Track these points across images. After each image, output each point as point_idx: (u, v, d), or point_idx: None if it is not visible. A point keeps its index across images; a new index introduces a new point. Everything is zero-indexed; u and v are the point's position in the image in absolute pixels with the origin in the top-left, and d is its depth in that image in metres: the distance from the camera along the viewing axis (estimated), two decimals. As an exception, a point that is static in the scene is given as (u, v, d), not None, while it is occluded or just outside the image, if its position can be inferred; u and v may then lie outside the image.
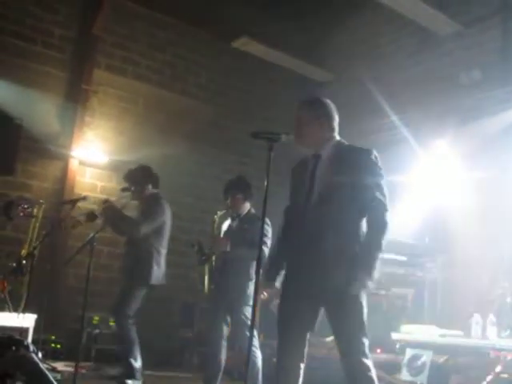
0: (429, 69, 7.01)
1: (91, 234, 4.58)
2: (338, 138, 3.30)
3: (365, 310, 3.06)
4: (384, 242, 3.05)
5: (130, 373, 5.03)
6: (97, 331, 6.75)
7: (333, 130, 3.30)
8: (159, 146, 7.41)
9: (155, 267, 5.24)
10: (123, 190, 5.39)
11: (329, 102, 3.35)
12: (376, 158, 3.15)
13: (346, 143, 3.29)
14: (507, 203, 6.08)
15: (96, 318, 6.83)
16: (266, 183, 3.14)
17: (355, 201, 3.09)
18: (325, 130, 3.26)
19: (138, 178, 5.43)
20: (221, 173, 7.77)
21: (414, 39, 7.32)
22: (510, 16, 6.46)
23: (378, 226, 3.07)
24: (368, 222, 3.13)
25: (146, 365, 5.21)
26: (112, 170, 7.74)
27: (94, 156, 7.62)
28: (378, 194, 3.08)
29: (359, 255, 3.03)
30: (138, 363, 5.07)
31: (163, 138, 7.69)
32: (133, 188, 5.32)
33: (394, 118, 6.99)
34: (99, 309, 6.58)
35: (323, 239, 3.06)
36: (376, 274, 3.00)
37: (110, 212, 5.14)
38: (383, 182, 3.12)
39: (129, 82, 8.08)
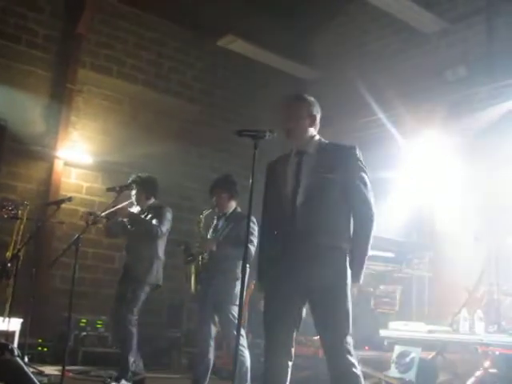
0: (415, 66, 7.02)
1: (76, 236, 4.53)
2: (318, 136, 3.33)
3: (350, 305, 3.07)
4: (372, 239, 3.10)
5: (124, 374, 5.01)
6: (84, 333, 6.70)
7: (317, 128, 3.33)
8: (145, 146, 7.38)
9: (160, 270, 5.31)
10: (108, 189, 5.35)
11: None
12: (360, 154, 3.19)
13: (327, 141, 3.31)
14: (494, 200, 6.10)
15: (83, 320, 6.77)
16: (251, 181, 3.13)
17: (342, 196, 3.12)
18: (313, 127, 3.29)
19: (149, 185, 5.46)
20: (207, 172, 7.74)
21: (400, 37, 7.34)
22: (495, 13, 6.48)
23: (366, 223, 3.12)
24: (355, 219, 3.16)
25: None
26: (97, 171, 7.69)
27: (79, 157, 7.56)
28: (363, 191, 3.13)
29: (352, 253, 3.08)
30: (133, 365, 5.07)
31: (149, 138, 7.65)
32: (135, 192, 5.30)
33: (381, 115, 6.99)
34: (86, 311, 6.54)
35: (313, 235, 3.07)
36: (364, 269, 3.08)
37: (133, 216, 5.26)
38: (367, 179, 3.16)
39: (114, 82, 8.03)
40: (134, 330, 5.10)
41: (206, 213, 4.88)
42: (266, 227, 3.36)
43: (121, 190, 5.27)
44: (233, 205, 4.91)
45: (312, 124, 3.28)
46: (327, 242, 3.07)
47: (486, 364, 4.87)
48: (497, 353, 4.87)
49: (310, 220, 3.09)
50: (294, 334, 3.17)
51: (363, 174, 3.15)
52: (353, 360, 3.01)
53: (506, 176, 6.15)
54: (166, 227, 5.27)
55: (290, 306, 3.13)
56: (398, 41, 7.39)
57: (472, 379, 4.82)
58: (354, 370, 2.99)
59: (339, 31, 8.03)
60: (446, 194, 6.70)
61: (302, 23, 8.30)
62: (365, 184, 3.14)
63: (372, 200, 3.14)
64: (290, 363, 3.15)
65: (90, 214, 5.03)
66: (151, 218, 5.27)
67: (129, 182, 5.40)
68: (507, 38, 6.06)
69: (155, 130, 7.93)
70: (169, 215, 5.34)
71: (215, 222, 4.94)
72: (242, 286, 3.14)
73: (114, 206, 5.10)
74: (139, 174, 5.51)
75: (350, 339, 3.03)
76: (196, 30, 8.36)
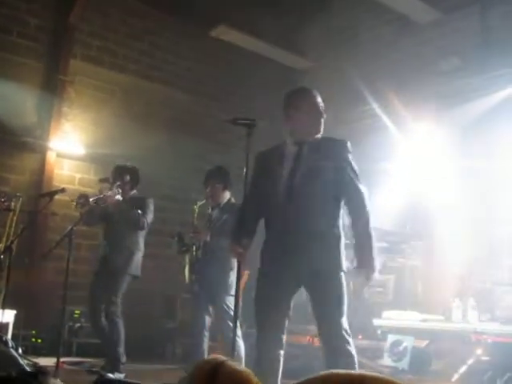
0: (408, 56, 7.01)
1: (69, 227, 4.52)
2: None
3: (344, 289, 3.13)
4: (371, 224, 3.15)
5: (116, 365, 5.01)
6: (78, 325, 6.69)
7: None
8: (138, 137, 7.34)
9: (140, 261, 5.28)
10: (101, 180, 5.34)
11: None
12: (350, 148, 3.27)
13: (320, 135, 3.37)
14: (487, 189, 6.13)
15: (77, 311, 6.77)
16: (245, 171, 3.13)
17: (334, 185, 3.18)
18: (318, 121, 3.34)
19: (135, 176, 5.43)
20: (201, 162, 7.71)
21: (393, 27, 7.32)
22: (489, 3, 6.47)
23: (361, 209, 3.19)
24: (349, 207, 3.23)
25: (128, 357, 5.18)
26: (90, 162, 7.66)
27: (71, 148, 7.52)
28: (356, 180, 3.21)
29: (356, 241, 3.15)
30: (123, 356, 5.07)
31: (142, 128, 7.62)
32: (119, 183, 5.27)
33: (375, 105, 6.99)
34: (80, 302, 6.53)
35: (309, 222, 3.12)
36: (377, 263, 3.11)
37: (121, 204, 5.17)
38: (357, 170, 3.24)
39: (106, 72, 7.98)
40: (120, 321, 5.10)
41: (200, 203, 4.89)
42: (248, 208, 3.37)
43: (114, 181, 5.27)
44: (227, 195, 4.92)
45: (318, 117, 3.32)
46: (322, 228, 3.13)
47: (479, 352, 4.91)
48: (489, 341, 4.91)
49: (306, 207, 3.14)
50: (286, 323, 3.19)
51: (354, 166, 3.24)
52: (348, 338, 3.05)
53: (498, 165, 6.17)
54: (150, 218, 5.25)
55: (282, 294, 3.17)
56: (391, 31, 7.38)
57: (464, 367, 4.86)
58: (348, 347, 3.03)
59: (332, 21, 8.00)
60: (440, 183, 6.72)
61: (295, 13, 8.27)
62: (356, 175, 3.23)
63: (363, 189, 3.21)
64: (282, 352, 3.18)
65: (81, 197, 5.00)
66: (135, 209, 5.23)
67: (115, 170, 5.37)
68: (500, 29, 6.07)
69: (148, 121, 7.90)
70: (152, 206, 5.31)
71: (209, 212, 4.94)
72: (238, 276, 3.16)
73: (101, 192, 5.08)
74: (126, 164, 5.49)
75: (345, 319, 3.09)
76: (189, 20, 8.31)
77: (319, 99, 3.33)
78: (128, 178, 5.39)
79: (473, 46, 6.51)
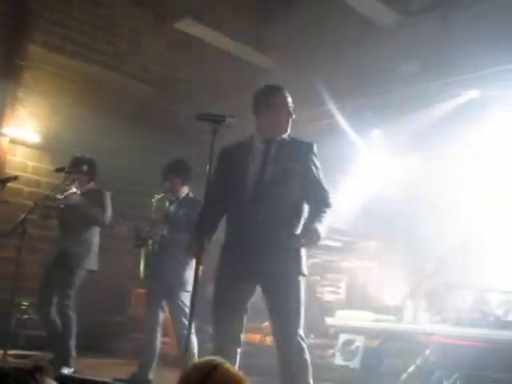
0: (369, 58, 7.08)
1: (22, 216, 4.40)
2: None
3: (302, 293, 3.14)
4: (327, 216, 3.18)
5: (66, 359, 4.92)
6: (26, 316, 6.52)
7: None
8: (97, 128, 7.18)
9: (96, 255, 5.24)
10: (57, 170, 5.22)
11: None
12: (316, 150, 3.32)
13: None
14: (442, 191, 6.26)
15: (25, 303, 6.59)
16: (208, 167, 3.10)
17: (302, 188, 3.23)
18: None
19: (93, 168, 5.33)
20: (160, 156, 7.59)
21: (355, 28, 7.37)
22: (449, 7, 6.58)
23: (323, 204, 3.25)
24: (312, 204, 3.27)
25: (77, 352, 5.10)
26: (44, 150, 7.46)
27: (25, 135, 7.31)
28: (322, 180, 3.28)
29: (305, 222, 3.19)
30: (73, 351, 4.99)
31: (102, 120, 7.44)
32: (76, 176, 5.15)
33: (333, 106, 7.04)
34: (28, 294, 6.35)
35: (275, 223, 3.12)
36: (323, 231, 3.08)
37: (83, 203, 5.10)
38: (322, 174, 3.31)
39: (67, 61, 7.76)
40: (73, 315, 5.04)
41: (158, 197, 4.82)
42: (210, 205, 3.33)
43: (70, 171, 5.16)
44: (185, 190, 4.88)
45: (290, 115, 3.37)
46: (285, 230, 3.13)
47: (427, 352, 5.01)
48: (438, 342, 5.02)
49: (271, 208, 3.13)
50: (245, 321, 3.19)
51: (319, 168, 3.31)
52: (304, 345, 3.07)
53: (452, 169, 6.31)
54: (110, 213, 5.20)
55: (241, 293, 3.17)
56: (354, 32, 7.42)
57: (412, 367, 4.95)
58: (304, 356, 3.05)
59: (295, 20, 8.00)
60: (395, 185, 6.83)
61: (259, 11, 8.25)
62: (321, 177, 3.30)
63: (328, 190, 3.29)
64: (239, 350, 3.19)
65: (46, 206, 4.94)
66: (93, 203, 5.15)
67: (72, 161, 5.27)
68: (460, 35, 6.18)
69: (108, 112, 7.72)
70: (109, 200, 5.26)
71: (167, 206, 4.89)
72: (196, 273, 3.12)
73: (63, 191, 4.97)
74: (83, 155, 5.39)
75: (302, 323, 3.11)
76: (154, 11, 8.19)
77: (290, 99, 3.33)
78: (85, 169, 5.28)
79: (432, 50, 6.61)
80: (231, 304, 3.15)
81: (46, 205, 5.04)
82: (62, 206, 5.05)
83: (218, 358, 1.61)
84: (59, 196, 4.91)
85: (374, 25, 7.14)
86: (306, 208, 3.26)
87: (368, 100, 7.00)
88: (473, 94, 6.30)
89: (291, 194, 3.20)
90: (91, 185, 5.36)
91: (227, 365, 1.56)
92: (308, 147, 3.30)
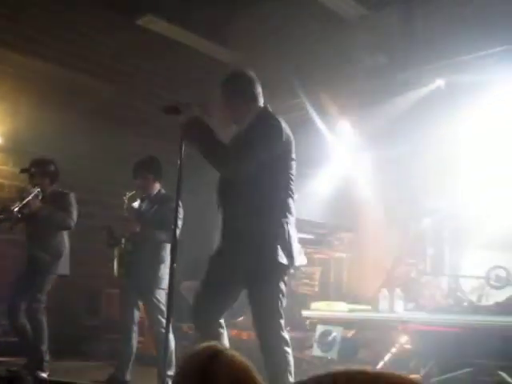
0: (336, 51, 7.10)
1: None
2: None
3: (282, 287, 3.09)
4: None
5: (38, 364, 4.83)
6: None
7: None
8: (59, 127, 7.03)
9: (67, 257, 5.16)
10: (22, 171, 5.10)
11: None
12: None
13: None
14: (410, 183, 6.33)
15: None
16: (179, 162, 3.02)
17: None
18: None
19: (54, 169, 5.21)
20: (126, 154, 7.49)
21: (322, 21, 7.37)
22: (415, 0, 6.65)
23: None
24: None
25: (53, 355, 5.03)
26: (8, 153, 7.28)
27: (-13, 137, 7.13)
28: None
29: None
30: (46, 355, 4.91)
31: (63, 119, 7.28)
32: (38, 180, 5.04)
33: (304, 99, 7.04)
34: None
35: (242, 218, 3.08)
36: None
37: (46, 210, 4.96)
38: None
39: (25, 60, 7.57)
40: (43, 319, 4.96)
41: (129, 194, 4.75)
42: None
43: (35, 172, 5.05)
44: (157, 186, 4.81)
45: None
46: (257, 224, 3.04)
47: (402, 340, 5.06)
48: (413, 330, 5.07)
49: (240, 203, 3.08)
50: (228, 303, 3.19)
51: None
52: (286, 337, 3.04)
53: (420, 160, 6.38)
54: (75, 216, 5.11)
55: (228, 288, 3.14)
56: (320, 25, 7.43)
57: (389, 355, 4.99)
58: (285, 347, 3.02)
59: (262, 14, 7.97)
60: (365, 176, 6.88)
61: (225, 5, 8.18)
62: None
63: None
64: (223, 332, 3.18)
65: (3, 211, 4.81)
66: (56, 206, 5.04)
67: (32, 164, 5.14)
68: (426, 26, 6.25)
69: (70, 111, 7.55)
70: (74, 201, 5.15)
71: (139, 203, 4.82)
72: (172, 270, 3.04)
73: (22, 198, 4.84)
74: (44, 157, 5.27)
75: (282, 317, 3.07)
76: (115, 7, 8.04)
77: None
78: (47, 171, 5.16)
79: (398, 42, 6.67)
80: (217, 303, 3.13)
81: (3, 217, 4.89)
82: (19, 215, 4.89)
83: (218, 344, 1.52)
84: (16, 206, 4.77)
85: (340, 18, 7.16)
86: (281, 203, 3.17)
87: (336, 92, 7.02)
88: (438, 83, 6.40)
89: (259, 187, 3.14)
90: (54, 187, 5.24)
91: (230, 351, 1.48)
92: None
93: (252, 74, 3.31)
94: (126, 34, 8.31)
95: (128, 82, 8.51)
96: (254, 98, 3.25)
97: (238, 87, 3.26)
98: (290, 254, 3.06)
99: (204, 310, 3.12)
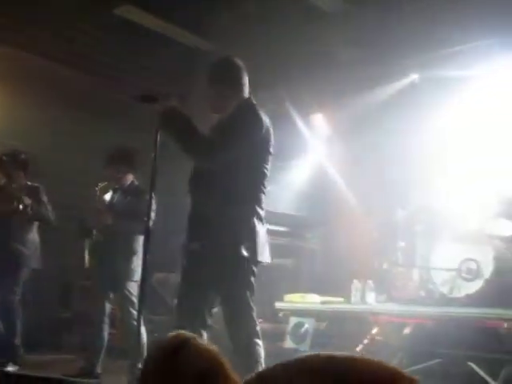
0: (312, 44, 7.09)
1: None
2: None
3: (251, 279, 3.08)
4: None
5: (11, 357, 4.78)
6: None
7: None
8: (33, 117, 6.94)
9: (39, 251, 5.15)
10: None
11: None
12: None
13: None
14: (385, 175, 6.37)
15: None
16: (153, 154, 2.97)
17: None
18: None
19: (27, 162, 5.18)
20: (101, 145, 7.41)
21: (300, 13, 7.34)
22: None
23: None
24: None
25: (24, 349, 5.00)
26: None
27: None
28: None
29: None
30: (20, 348, 4.90)
31: (36, 109, 7.19)
32: (11, 169, 4.98)
33: (280, 91, 7.04)
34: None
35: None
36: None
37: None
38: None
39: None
40: (18, 310, 4.96)
41: (101, 185, 4.70)
42: None
43: (6, 161, 4.99)
44: (130, 178, 4.77)
45: None
46: (225, 213, 3.00)
47: (374, 332, 5.11)
48: (384, 321, 5.12)
49: (212, 191, 3.04)
50: (211, 302, 3.13)
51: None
52: (258, 330, 3.04)
53: (393, 152, 6.42)
54: (50, 209, 5.11)
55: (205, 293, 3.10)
56: (298, 17, 7.40)
57: (360, 346, 5.03)
58: (256, 339, 3.01)
59: (241, 5, 7.91)
60: (338, 169, 6.92)
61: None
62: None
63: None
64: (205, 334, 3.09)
65: None
66: (33, 200, 4.99)
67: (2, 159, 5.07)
68: (400, 22, 6.26)
69: (42, 101, 7.45)
70: (44, 194, 5.14)
71: (111, 195, 4.77)
72: (145, 263, 3.00)
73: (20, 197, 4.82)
74: (14, 151, 5.19)
75: (254, 316, 3.06)
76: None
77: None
78: (21, 164, 5.10)
79: (373, 36, 6.68)
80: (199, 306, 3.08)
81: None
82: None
83: (184, 333, 1.47)
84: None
85: (318, 11, 7.14)
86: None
87: (311, 84, 7.02)
88: (412, 77, 6.46)
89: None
90: (25, 180, 5.18)
91: (196, 339, 1.45)
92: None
93: (241, 62, 3.27)
94: (103, 23, 8.18)
95: (104, 71, 8.39)
96: (240, 87, 3.20)
97: (225, 73, 3.22)
98: (253, 249, 3.02)
99: (187, 310, 3.08)
